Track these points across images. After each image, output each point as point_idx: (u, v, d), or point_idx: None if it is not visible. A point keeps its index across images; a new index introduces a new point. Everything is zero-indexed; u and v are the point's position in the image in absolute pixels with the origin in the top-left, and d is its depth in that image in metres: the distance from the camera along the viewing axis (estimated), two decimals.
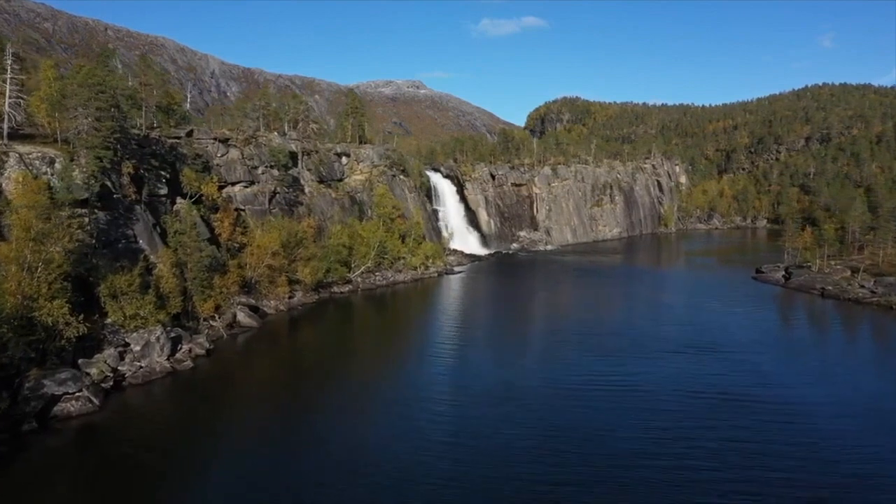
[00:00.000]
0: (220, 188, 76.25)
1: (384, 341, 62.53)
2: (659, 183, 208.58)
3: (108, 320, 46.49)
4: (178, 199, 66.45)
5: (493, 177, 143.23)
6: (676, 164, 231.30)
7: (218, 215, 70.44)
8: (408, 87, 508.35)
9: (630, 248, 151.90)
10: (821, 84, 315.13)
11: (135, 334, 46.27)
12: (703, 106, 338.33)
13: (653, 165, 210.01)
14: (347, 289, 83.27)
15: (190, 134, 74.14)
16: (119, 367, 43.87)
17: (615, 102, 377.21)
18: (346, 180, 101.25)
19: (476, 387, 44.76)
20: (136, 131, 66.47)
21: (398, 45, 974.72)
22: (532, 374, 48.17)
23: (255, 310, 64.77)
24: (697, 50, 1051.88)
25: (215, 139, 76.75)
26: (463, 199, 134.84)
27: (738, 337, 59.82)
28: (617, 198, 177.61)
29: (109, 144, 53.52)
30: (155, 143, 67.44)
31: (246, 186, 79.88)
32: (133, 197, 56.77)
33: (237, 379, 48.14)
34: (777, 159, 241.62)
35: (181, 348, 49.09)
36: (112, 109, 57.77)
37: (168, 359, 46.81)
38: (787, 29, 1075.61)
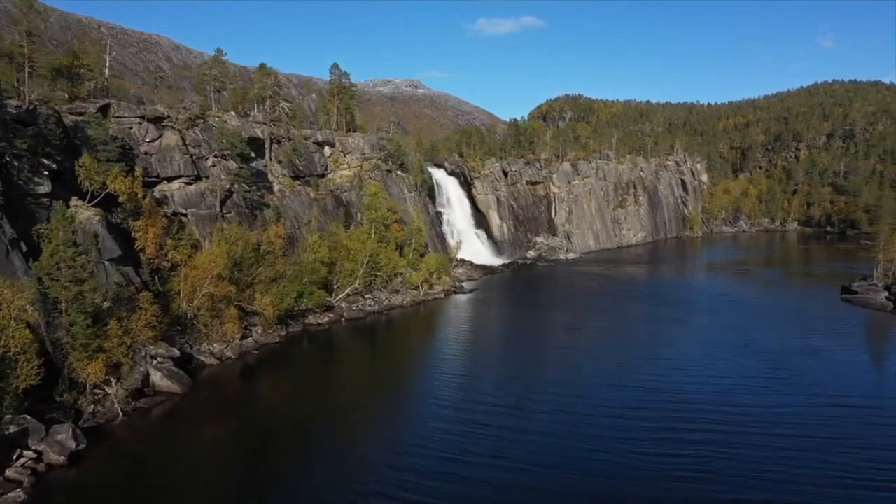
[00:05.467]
0: (150, 185, 55.88)
1: (369, 413, 41.53)
2: (683, 182, 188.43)
3: None
4: (76, 201, 45.98)
5: (505, 174, 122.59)
6: (698, 162, 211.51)
7: (140, 223, 49.97)
8: (406, 87, 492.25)
9: (662, 256, 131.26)
10: (830, 81, 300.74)
11: None
12: (709, 104, 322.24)
13: (676, 162, 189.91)
14: (327, 318, 62.66)
15: (105, 110, 53.52)
16: None
17: (618, 100, 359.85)
18: (330, 176, 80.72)
19: None
20: (14, 102, 46.10)
21: (395, 45, 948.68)
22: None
23: (184, 362, 44.02)
24: (697, 49, 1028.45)
25: (143, 118, 56.03)
26: (471, 199, 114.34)
27: None
28: (641, 198, 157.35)
29: None
30: (45, 120, 46.92)
31: (188, 183, 59.24)
32: None
33: None
34: (797, 157, 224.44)
35: (18, 459, 28.43)
36: None
37: None
38: (787, 29, 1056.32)
